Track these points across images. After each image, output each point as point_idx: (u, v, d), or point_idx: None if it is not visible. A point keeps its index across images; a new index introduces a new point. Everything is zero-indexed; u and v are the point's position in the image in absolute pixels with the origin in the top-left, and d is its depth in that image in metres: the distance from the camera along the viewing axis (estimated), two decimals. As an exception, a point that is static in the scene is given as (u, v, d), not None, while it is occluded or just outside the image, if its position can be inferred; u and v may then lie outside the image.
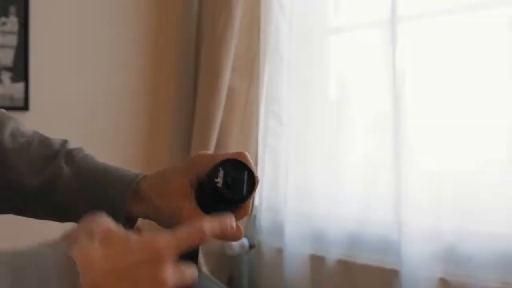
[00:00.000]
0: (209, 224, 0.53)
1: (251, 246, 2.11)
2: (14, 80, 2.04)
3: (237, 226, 0.59)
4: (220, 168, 0.60)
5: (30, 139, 0.72)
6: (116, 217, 0.66)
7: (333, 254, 1.86)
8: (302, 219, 1.95)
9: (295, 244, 1.95)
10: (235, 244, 2.06)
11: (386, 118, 1.73)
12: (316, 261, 1.91)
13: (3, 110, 0.75)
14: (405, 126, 1.68)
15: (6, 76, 2.03)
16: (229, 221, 0.55)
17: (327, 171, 1.90)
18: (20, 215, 0.74)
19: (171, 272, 0.49)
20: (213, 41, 2.12)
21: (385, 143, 1.73)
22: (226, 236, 0.58)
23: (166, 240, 0.50)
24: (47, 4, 2.11)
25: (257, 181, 0.61)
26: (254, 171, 0.62)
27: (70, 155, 0.71)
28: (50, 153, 0.71)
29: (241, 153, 0.62)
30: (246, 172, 0.61)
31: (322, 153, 1.92)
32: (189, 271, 0.52)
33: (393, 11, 1.72)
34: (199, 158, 0.65)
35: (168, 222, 0.65)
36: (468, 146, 1.57)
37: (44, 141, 0.72)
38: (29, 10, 2.06)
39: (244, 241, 2.09)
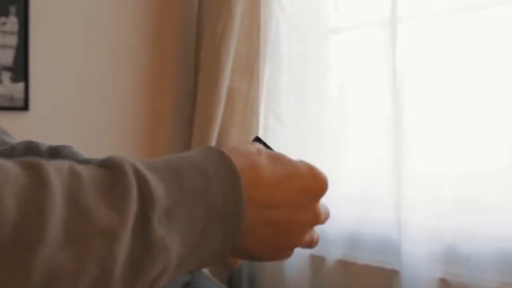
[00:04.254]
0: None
1: (251, 246, 2.11)
2: (14, 80, 2.04)
3: None
4: None
5: (15, 145, 0.70)
6: None
7: (333, 254, 1.86)
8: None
9: (295, 244, 1.95)
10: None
11: (386, 118, 1.73)
12: (316, 261, 1.91)
13: None
14: (405, 126, 1.68)
15: (6, 76, 2.03)
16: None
17: (327, 171, 1.89)
18: None
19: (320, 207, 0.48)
20: (213, 41, 2.12)
21: (385, 143, 1.73)
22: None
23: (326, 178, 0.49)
24: (47, 4, 2.11)
25: None
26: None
27: (55, 151, 0.69)
28: (35, 154, 0.69)
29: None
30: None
31: (322, 153, 1.92)
32: (325, 212, 0.50)
33: (393, 11, 1.72)
34: None
35: None
36: (468, 146, 1.57)
37: (30, 145, 0.70)
38: (29, 10, 2.06)
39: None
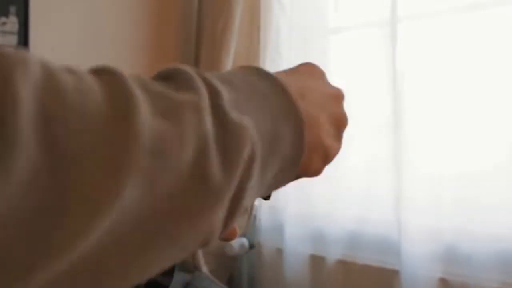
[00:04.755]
0: None
1: (251, 246, 2.11)
2: (14, 80, 2.04)
3: None
4: None
5: None
6: None
7: (333, 254, 1.86)
8: (302, 219, 1.95)
9: (295, 244, 1.95)
10: (235, 244, 2.06)
11: (386, 118, 1.73)
12: (316, 261, 1.91)
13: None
14: (405, 126, 1.68)
15: (6, 76, 2.03)
16: None
17: (327, 170, 1.89)
18: None
19: None
20: (213, 41, 2.12)
21: (385, 143, 1.73)
22: None
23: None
24: (47, 4, 2.11)
25: None
26: None
27: None
28: None
29: None
30: None
31: (322, 153, 1.92)
32: None
33: (393, 11, 1.72)
34: None
35: None
36: (468, 146, 1.57)
37: None
38: (29, 10, 2.06)
39: (244, 241, 2.09)
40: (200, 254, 2.07)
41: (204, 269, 2.07)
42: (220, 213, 0.33)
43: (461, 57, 1.60)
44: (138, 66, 2.29)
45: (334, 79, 2.11)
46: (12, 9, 2.04)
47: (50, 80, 0.27)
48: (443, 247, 1.59)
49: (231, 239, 0.44)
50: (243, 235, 2.11)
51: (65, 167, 0.25)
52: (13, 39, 2.04)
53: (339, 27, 2.00)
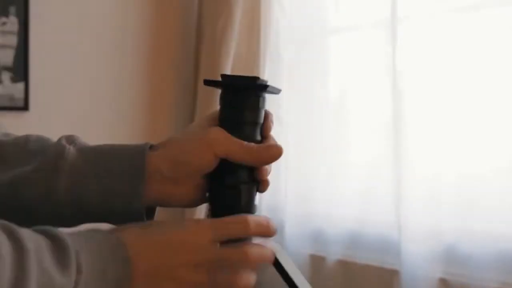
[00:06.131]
0: (254, 219, 0.57)
1: (251, 246, 2.11)
2: (14, 80, 2.04)
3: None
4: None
5: (27, 136, 0.66)
6: (133, 195, 0.59)
7: (333, 254, 1.86)
8: (302, 219, 1.95)
9: (295, 244, 1.95)
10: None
11: (386, 117, 1.73)
12: (316, 261, 1.91)
13: None
14: (405, 126, 1.68)
15: (6, 76, 2.03)
16: (270, 221, 0.59)
17: (327, 171, 1.90)
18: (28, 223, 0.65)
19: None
20: (213, 41, 2.12)
21: (385, 143, 1.73)
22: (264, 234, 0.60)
23: (207, 238, 0.55)
24: (47, 4, 2.11)
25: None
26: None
27: (71, 138, 0.64)
28: (49, 142, 0.64)
29: None
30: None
31: (322, 153, 1.92)
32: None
33: (393, 11, 1.72)
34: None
35: (185, 191, 0.61)
36: (468, 146, 1.57)
37: (42, 137, 0.66)
38: (29, 10, 2.06)
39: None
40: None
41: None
42: None
43: (461, 57, 1.60)
44: (138, 66, 2.29)
45: (334, 79, 2.11)
46: (12, 9, 2.04)
47: None
48: (443, 247, 1.59)
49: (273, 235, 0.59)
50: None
51: None
52: (13, 39, 2.04)
53: (339, 27, 2.00)
